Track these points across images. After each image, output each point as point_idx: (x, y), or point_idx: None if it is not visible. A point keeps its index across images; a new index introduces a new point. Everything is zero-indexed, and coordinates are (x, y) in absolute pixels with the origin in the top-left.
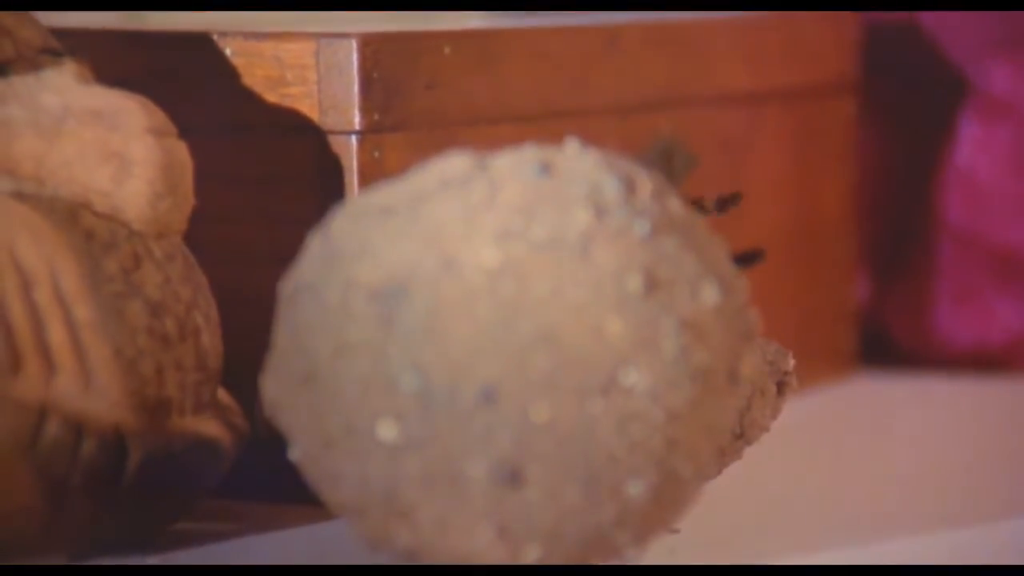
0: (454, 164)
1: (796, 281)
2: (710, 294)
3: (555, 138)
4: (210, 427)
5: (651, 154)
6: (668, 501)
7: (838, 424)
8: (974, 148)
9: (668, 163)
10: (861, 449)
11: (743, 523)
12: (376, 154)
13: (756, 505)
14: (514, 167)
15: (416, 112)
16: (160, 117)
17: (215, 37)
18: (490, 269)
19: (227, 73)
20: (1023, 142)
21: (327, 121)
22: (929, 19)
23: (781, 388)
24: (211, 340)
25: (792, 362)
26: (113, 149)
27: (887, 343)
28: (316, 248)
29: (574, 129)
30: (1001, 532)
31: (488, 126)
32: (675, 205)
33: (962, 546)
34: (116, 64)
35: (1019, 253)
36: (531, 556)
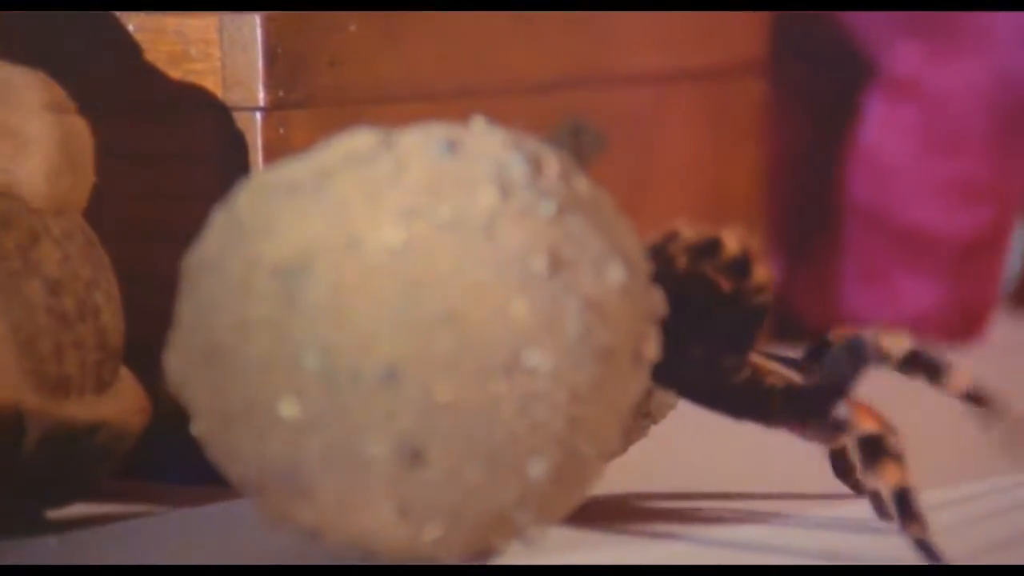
0: (359, 141)
1: None
2: (615, 274)
3: (463, 117)
4: (111, 406)
5: (559, 134)
6: (571, 480)
7: None
8: (880, 128)
9: (576, 143)
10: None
11: (657, 496)
12: (281, 131)
13: (668, 478)
14: (419, 145)
15: (321, 89)
16: (58, 93)
17: (118, 12)
18: (394, 248)
19: (130, 49)
20: (928, 122)
21: (231, 97)
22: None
23: None
24: (112, 318)
25: None
26: (10, 125)
27: (795, 321)
28: (219, 224)
29: (482, 108)
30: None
31: (395, 104)
32: (581, 185)
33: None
34: (14, 39)
35: (924, 232)
36: (432, 535)
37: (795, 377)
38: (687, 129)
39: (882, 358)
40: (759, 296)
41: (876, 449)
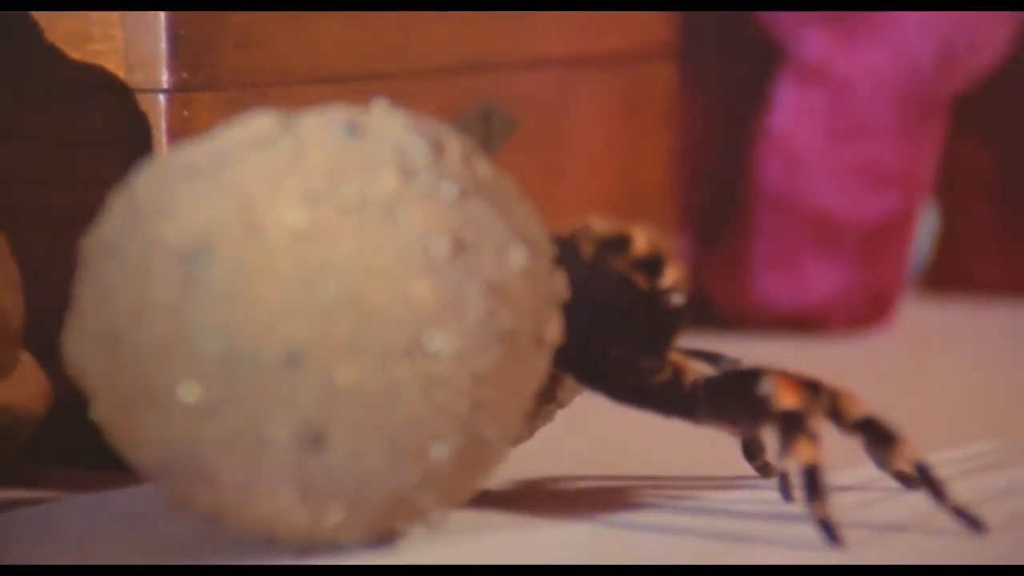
0: (259, 124)
1: None
2: (517, 257)
3: (370, 100)
4: (12, 391)
5: (468, 118)
6: (473, 464)
7: None
8: (789, 114)
9: (486, 127)
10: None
11: (561, 479)
12: (185, 113)
13: (573, 462)
14: (321, 128)
15: (227, 71)
16: None
17: None
18: (295, 231)
19: (28, 29)
20: (837, 108)
21: (134, 79)
22: None
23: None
24: (11, 302)
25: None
26: None
27: (707, 306)
28: (117, 207)
29: (391, 91)
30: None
31: (302, 86)
32: (484, 168)
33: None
34: None
35: (833, 217)
36: (334, 518)
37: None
38: (597, 114)
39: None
40: (673, 296)
41: (793, 426)
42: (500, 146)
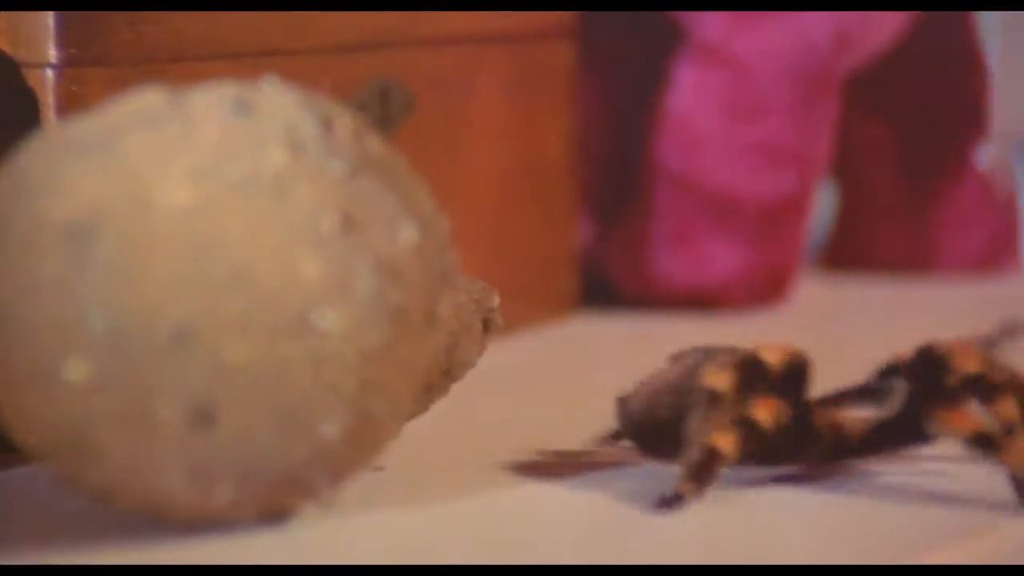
0: (147, 100)
1: (517, 224)
2: (408, 234)
3: (264, 77)
4: None
5: (367, 95)
6: (363, 441)
7: (556, 361)
8: (688, 94)
9: (384, 104)
10: (576, 384)
11: (456, 456)
12: (75, 88)
13: (469, 439)
14: (209, 104)
15: (119, 46)
16: None
17: None
18: (183, 208)
19: None
20: (736, 87)
21: (21, 54)
22: None
23: (487, 325)
24: None
25: (497, 300)
26: None
27: (607, 285)
28: (4, 182)
29: (287, 68)
30: None
31: (197, 63)
32: (374, 145)
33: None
34: None
35: (732, 196)
36: (224, 497)
37: (866, 413)
38: (497, 92)
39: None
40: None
41: (987, 443)
42: (399, 123)
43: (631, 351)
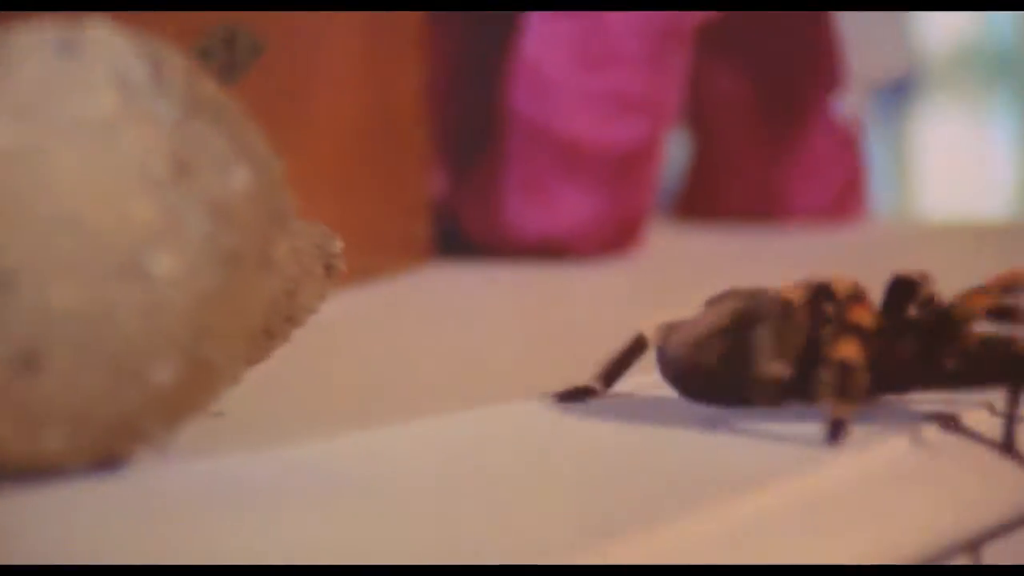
0: None
1: (369, 173)
2: (241, 178)
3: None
4: None
5: (211, 40)
6: (198, 386)
7: (408, 310)
8: (539, 41)
9: (230, 50)
10: (428, 332)
11: (302, 403)
12: None
13: (318, 387)
14: (33, 45)
15: None
16: None
17: None
18: (8, 150)
19: None
20: (586, 35)
21: None
22: None
23: (329, 270)
24: None
25: (339, 244)
26: None
27: (460, 233)
28: None
29: (129, 15)
30: (538, 407)
31: (28, 13)
32: (206, 88)
33: (510, 416)
34: None
35: (582, 144)
36: (53, 443)
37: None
38: (346, 39)
39: None
40: None
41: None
42: (246, 69)
43: (484, 300)
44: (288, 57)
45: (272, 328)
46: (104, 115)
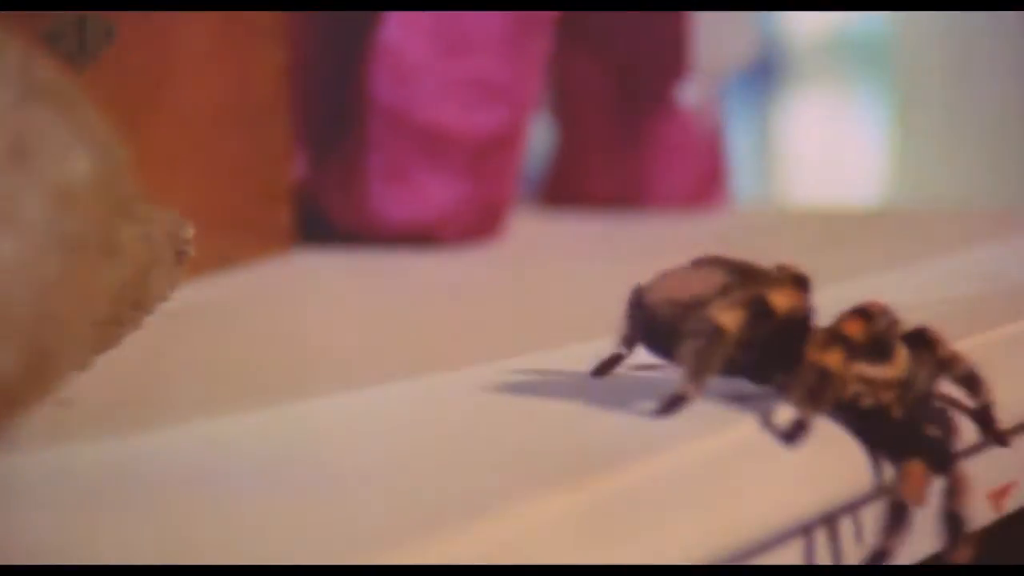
0: None
1: (230, 158)
2: (81, 163)
3: None
4: None
5: (61, 24)
6: (40, 375)
7: (267, 296)
8: (399, 26)
9: (80, 33)
10: (286, 319)
11: (152, 391)
12: None
13: (168, 374)
14: None
15: None
16: None
17: None
18: None
19: None
20: (446, 21)
21: None
22: None
23: (180, 257)
24: None
25: (191, 231)
26: None
27: (324, 220)
28: None
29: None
30: (411, 388)
31: None
32: (46, 72)
33: (376, 400)
34: None
35: (444, 131)
36: None
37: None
38: (204, 22)
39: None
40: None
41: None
42: (98, 54)
43: (346, 287)
44: (143, 41)
45: (120, 315)
46: None
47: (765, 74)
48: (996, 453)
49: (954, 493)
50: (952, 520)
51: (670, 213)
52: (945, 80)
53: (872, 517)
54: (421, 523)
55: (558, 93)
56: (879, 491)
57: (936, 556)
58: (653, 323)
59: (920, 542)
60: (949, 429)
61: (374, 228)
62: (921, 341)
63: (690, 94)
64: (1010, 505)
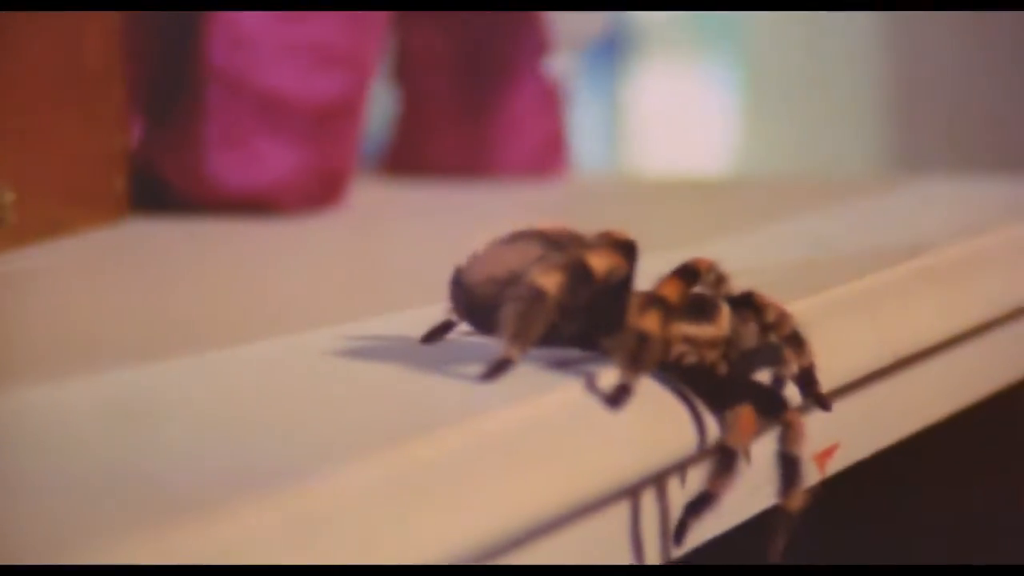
0: None
1: (62, 125)
2: None
3: None
4: None
5: None
6: None
7: (100, 264)
8: None
9: None
10: (118, 286)
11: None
12: None
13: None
14: None
15: None
16: None
17: None
18: None
19: None
20: None
21: None
22: None
23: None
24: None
25: (11, 196)
26: None
27: (161, 187)
28: None
29: None
30: (239, 353)
31: None
32: None
33: (211, 365)
34: None
35: (282, 97)
36: None
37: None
38: None
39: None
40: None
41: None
42: None
43: (182, 254)
44: None
45: None
46: None
47: (615, 44)
48: (820, 416)
49: (788, 436)
50: (787, 461)
51: (512, 181)
52: (792, 48)
53: (699, 475)
54: (227, 489)
55: (400, 60)
56: (705, 449)
57: (774, 508)
58: (473, 301)
59: (758, 496)
60: (780, 377)
61: (212, 195)
62: (748, 304)
63: (551, 66)
64: (833, 466)
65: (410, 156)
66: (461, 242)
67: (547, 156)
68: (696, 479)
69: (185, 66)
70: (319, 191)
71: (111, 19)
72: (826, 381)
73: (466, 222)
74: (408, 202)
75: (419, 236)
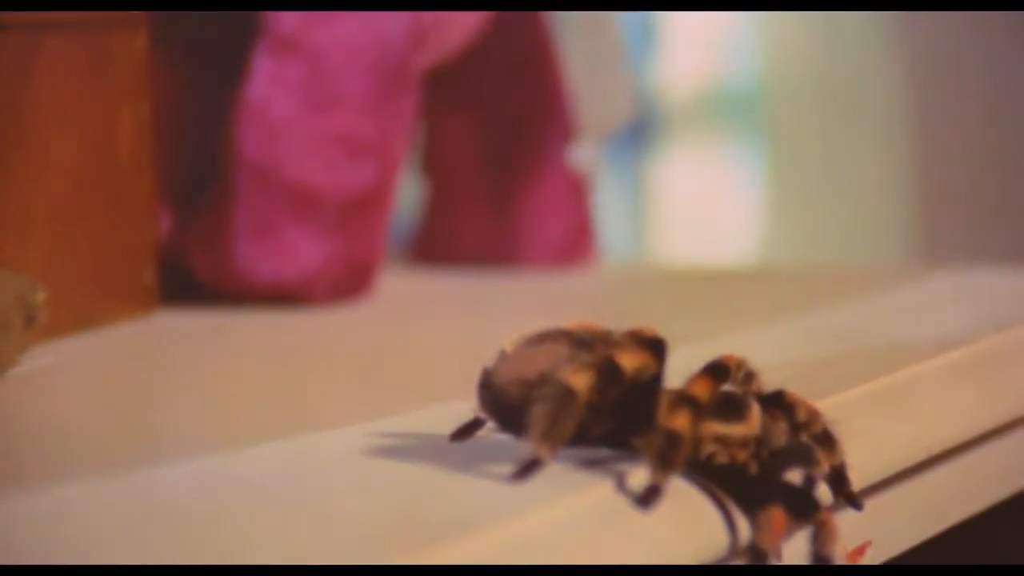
0: None
1: (91, 216)
2: None
3: None
4: None
5: None
6: None
7: (129, 358)
8: (265, 83)
9: None
10: (148, 381)
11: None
12: None
13: (21, 439)
14: None
15: None
16: None
17: None
18: None
19: None
20: (312, 78)
21: None
22: None
23: (29, 323)
24: None
25: (42, 295)
26: None
27: (189, 279)
28: None
29: None
30: (268, 452)
31: None
32: None
33: (237, 463)
34: None
35: (311, 189)
36: None
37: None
38: (65, 80)
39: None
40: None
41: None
42: None
43: (212, 347)
44: (0, 97)
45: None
46: None
47: (638, 132)
48: (852, 512)
49: (820, 536)
50: (820, 561)
51: (539, 271)
52: (817, 137)
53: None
54: None
55: (427, 150)
56: (736, 550)
57: None
58: (503, 403)
59: None
60: (811, 477)
61: (240, 287)
62: (778, 402)
63: (576, 154)
64: (867, 562)
65: (437, 245)
66: (489, 335)
67: (574, 245)
68: None
69: (215, 157)
70: (348, 282)
71: (141, 108)
72: (857, 478)
73: (493, 313)
74: (435, 292)
75: (447, 328)
